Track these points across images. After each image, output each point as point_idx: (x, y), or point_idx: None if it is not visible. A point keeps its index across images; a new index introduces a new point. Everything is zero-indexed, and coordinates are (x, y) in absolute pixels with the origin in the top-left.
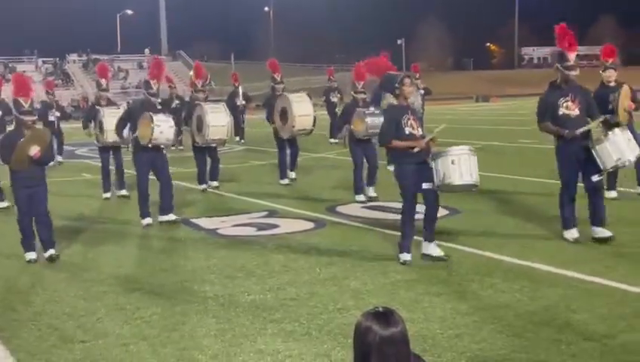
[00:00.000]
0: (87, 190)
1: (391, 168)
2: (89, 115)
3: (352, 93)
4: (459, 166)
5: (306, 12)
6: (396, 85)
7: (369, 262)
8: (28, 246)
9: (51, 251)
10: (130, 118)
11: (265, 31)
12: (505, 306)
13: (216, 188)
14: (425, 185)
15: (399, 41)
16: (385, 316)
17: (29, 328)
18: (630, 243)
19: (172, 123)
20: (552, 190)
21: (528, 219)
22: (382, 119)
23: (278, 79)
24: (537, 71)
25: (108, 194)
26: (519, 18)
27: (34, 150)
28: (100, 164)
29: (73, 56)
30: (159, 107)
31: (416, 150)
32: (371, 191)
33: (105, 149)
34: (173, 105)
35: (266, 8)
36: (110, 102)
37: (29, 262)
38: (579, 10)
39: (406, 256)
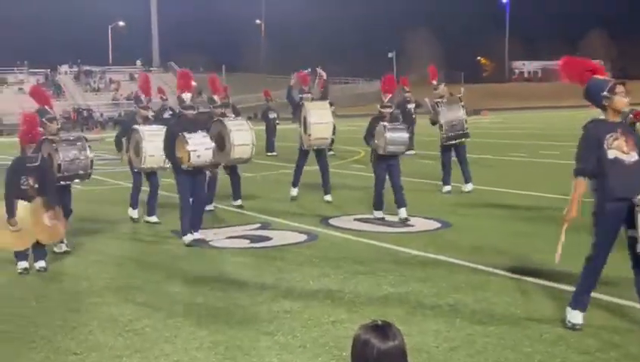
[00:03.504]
0: (80, 201)
1: None
2: (123, 131)
3: (378, 106)
4: None
5: (298, 25)
6: (604, 94)
7: (362, 274)
8: (21, 255)
9: (42, 263)
10: (172, 138)
11: (256, 43)
12: (498, 319)
13: (240, 206)
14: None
15: (390, 54)
16: (383, 329)
17: (21, 339)
18: None
19: (209, 144)
20: (545, 204)
21: (520, 232)
22: (404, 135)
23: (307, 90)
24: (528, 84)
25: (135, 213)
26: (510, 32)
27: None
28: (103, 178)
29: (64, 68)
30: (190, 115)
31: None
32: (403, 213)
33: (137, 173)
34: (166, 115)
35: (258, 21)
36: (147, 120)
37: (21, 272)
38: (569, 24)
39: (577, 318)
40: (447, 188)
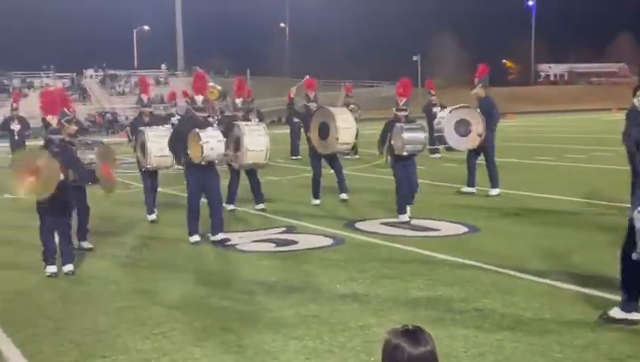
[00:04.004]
0: (107, 206)
1: None
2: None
3: (394, 109)
4: None
5: (322, 28)
6: None
7: (389, 278)
8: (49, 259)
9: (70, 266)
10: (180, 138)
11: (280, 47)
12: (527, 325)
13: (263, 210)
14: None
15: (415, 57)
16: (415, 334)
17: (50, 343)
18: None
19: (221, 137)
20: (571, 208)
21: (548, 236)
22: (421, 135)
23: (312, 97)
24: (554, 88)
25: (154, 216)
26: (536, 34)
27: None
28: (123, 180)
29: (90, 72)
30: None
31: None
32: (408, 211)
33: (147, 173)
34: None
35: (282, 24)
36: (154, 117)
37: (50, 276)
38: (596, 26)
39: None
40: (471, 189)
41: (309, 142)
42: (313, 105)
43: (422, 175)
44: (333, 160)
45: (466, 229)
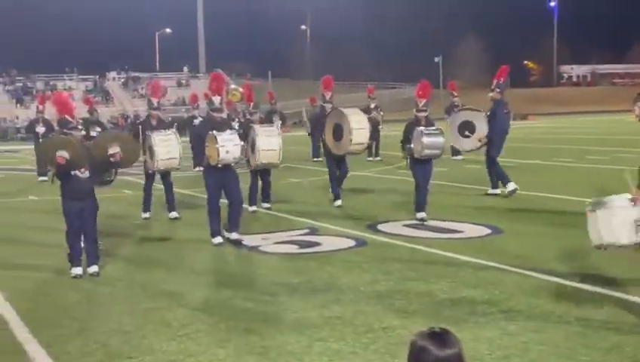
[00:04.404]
0: (129, 207)
1: None
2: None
3: (414, 111)
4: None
5: (343, 30)
6: None
7: (412, 280)
8: (75, 260)
9: (95, 268)
10: (199, 140)
11: (301, 49)
12: (553, 327)
13: (269, 208)
14: None
15: (436, 59)
16: (441, 336)
17: (76, 343)
18: None
19: (237, 140)
20: None
21: (571, 237)
22: (440, 139)
23: (328, 98)
24: (576, 89)
25: (147, 215)
26: (558, 35)
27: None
28: (141, 182)
29: (113, 74)
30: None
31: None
32: (421, 215)
33: (151, 175)
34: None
35: (303, 26)
36: (160, 121)
37: (75, 277)
38: (619, 27)
39: None
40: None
41: (324, 143)
42: (328, 106)
43: (444, 177)
44: (341, 162)
45: (489, 231)
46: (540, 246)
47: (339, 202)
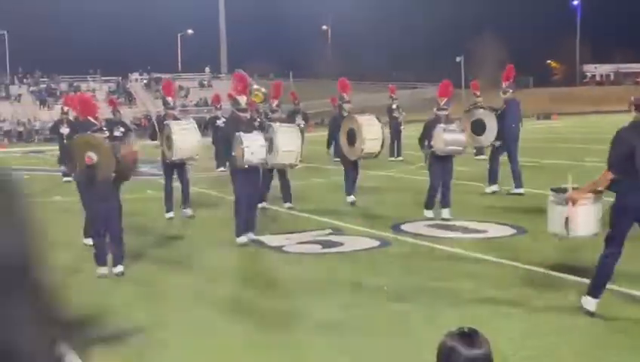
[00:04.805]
0: (152, 207)
1: None
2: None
3: (435, 109)
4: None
5: (364, 30)
6: None
7: (436, 280)
8: (100, 260)
9: (120, 268)
10: (225, 140)
11: (322, 49)
12: (579, 328)
13: (291, 208)
14: None
15: (458, 59)
16: (470, 337)
17: (100, 343)
18: None
19: (263, 141)
20: None
21: (598, 238)
22: (461, 136)
23: (347, 98)
24: (600, 88)
25: (171, 214)
26: (580, 34)
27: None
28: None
29: (135, 75)
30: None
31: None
32: (446, 213)
33: (169, 167)
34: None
35: (324, 27)
36: (175, 119)
37: (100, 276)
38: None
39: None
40: (519, 190)
41: (337, 143)
42: (347, 106)
43: (467, 176)
44: (355, 165)
45: (513, 231)
46: (566, 245)
47: (352, 198)
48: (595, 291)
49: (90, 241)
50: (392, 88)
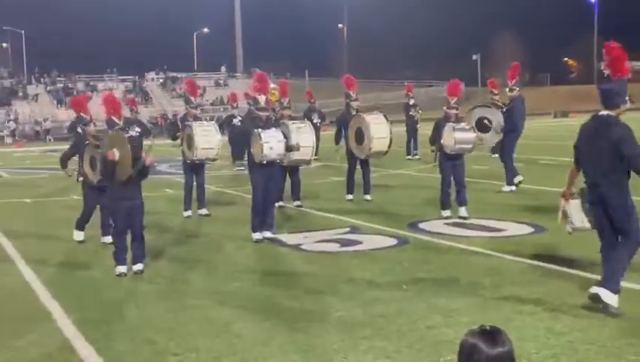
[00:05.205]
0: (171, 206)
1: None
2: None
3: (445, 108)
4: None
5: (380, 29)
6: (625, 98)
7: (456, 279)
8: (120, 259)
9: (139, 266)
10: (243, 137)
11: (338, 48)
12: (601, 327)
13: (299, 206)
14: None
15: (474, 57)
16: (492, 335)
17: (122, 340)
18: None
19: (281, 137)
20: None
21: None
22: (471, 135)
23: (354, 96)
24: None
25: (189, 213)
26: (598, 32)
27: (115, 154)
28: (182, 181)
29: (151, 75)
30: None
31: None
32: (463, 211)
33: (190, 167)
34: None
35: (340, 25)
36: (197, 119)
37: (119, 275)
38: None
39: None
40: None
41: (346, 141)
42: (355, 104)
43: (484, 175)
44: (364, 163)
45: (532, 229)
46: (586, 244)
47: (350, 196)
48: (610, 285)
49: (79, 236)
50: (409, 87)
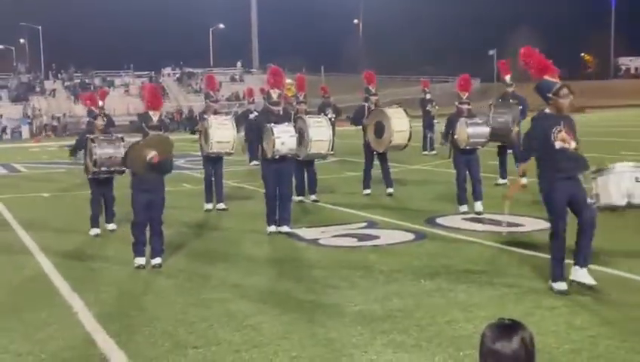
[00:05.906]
0: (189, 200)
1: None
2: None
3: (457, 103)
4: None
5: (396, 24)
6: (550, 95)
7: (474, 274)
8: (139, 251)
9: (158, 260)
10: (257, 132)
11: (354, 43)
12: (622, 321)
13: (316, 201)
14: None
15: (490, 52)
16: (511, 328)
17: (143, 333)
18: None
19: (293, 132)
20: None
21: (637, 230)
22: (485, 129)
23: (373, 91)
24: (635, 82)
25: (210, 206)
26: (615, 27)
27: (151, 154)
28: (202, 175)
29: (167, 70)
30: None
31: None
32: (478, 206)
33: (208, 160)
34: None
35: (356, 20)
36: (217, 114)
37: (138, 267)
38: None
39: (560, 286)
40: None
41: (364, 136)
42: (374, 99)
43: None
44: (382, 156)
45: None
46: (605, 239)
47: (368, 191)
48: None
49: (95, 232)
50: (426, 82)
